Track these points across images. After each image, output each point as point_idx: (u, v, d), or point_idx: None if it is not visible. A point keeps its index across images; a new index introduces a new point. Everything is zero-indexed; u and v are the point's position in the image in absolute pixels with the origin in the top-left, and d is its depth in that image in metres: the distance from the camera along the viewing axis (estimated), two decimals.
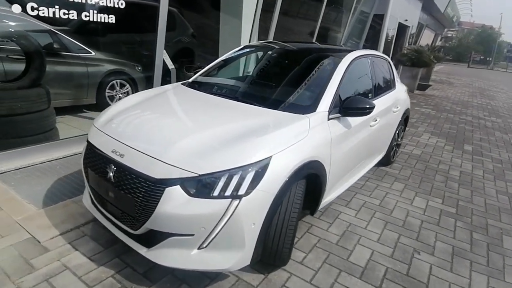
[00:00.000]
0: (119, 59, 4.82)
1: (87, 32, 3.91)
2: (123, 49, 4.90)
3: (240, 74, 3.58)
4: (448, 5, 21.82)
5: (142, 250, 1.78)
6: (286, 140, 1.91)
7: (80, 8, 3.17)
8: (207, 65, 3.20)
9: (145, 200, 1.66)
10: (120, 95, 4.84)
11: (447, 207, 3.23)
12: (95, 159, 1.95)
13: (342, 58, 2.73)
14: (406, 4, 13.49)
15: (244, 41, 5.44)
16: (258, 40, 5.52)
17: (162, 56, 4.02)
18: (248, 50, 3.48)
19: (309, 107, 2.29)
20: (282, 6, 5.33)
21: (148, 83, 5.16)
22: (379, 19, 10.78)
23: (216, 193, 1.64)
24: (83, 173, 2.12)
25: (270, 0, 5.33)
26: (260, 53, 3.54)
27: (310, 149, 2.02)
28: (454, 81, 17.47)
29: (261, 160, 1.73)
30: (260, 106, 2.31)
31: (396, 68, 12.93)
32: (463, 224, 2.94)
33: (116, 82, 4.75)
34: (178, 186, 1.63)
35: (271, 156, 1.76)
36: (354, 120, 2.55)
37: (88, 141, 2.09)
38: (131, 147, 1.82)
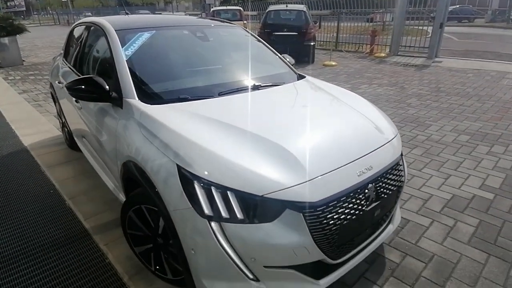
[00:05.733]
0: None
1: None
2: None
3: (186, 67, 2.36)
4: None
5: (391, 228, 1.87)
6: None
7: None
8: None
9: (401, 176, 1.78)
10: None
11: None
12: (342, 206, 1.45)
13: (235, 24, 3.03)
14: None
15: None
16: None
17: None
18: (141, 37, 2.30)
19: (294, 72, 2.60)
20: None
21: None
22: None
23: None
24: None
25: None
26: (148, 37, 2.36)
27: None
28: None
29: None
30: (278, 84, 2.27)
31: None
32: None
33: None
34: None
35: None
36: None
37: (317, 206, 1.38)
38: (359, 158, 1.59)
